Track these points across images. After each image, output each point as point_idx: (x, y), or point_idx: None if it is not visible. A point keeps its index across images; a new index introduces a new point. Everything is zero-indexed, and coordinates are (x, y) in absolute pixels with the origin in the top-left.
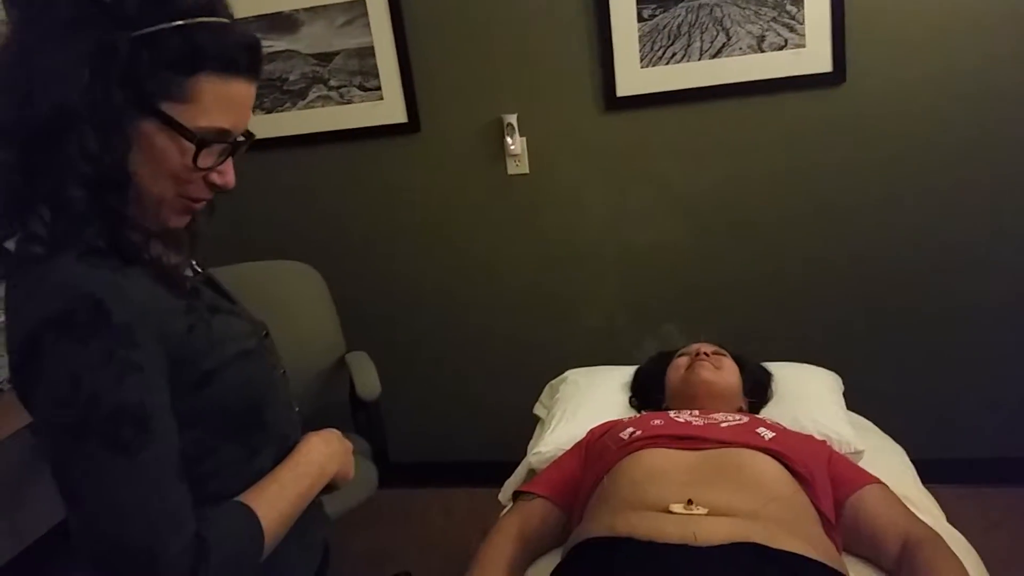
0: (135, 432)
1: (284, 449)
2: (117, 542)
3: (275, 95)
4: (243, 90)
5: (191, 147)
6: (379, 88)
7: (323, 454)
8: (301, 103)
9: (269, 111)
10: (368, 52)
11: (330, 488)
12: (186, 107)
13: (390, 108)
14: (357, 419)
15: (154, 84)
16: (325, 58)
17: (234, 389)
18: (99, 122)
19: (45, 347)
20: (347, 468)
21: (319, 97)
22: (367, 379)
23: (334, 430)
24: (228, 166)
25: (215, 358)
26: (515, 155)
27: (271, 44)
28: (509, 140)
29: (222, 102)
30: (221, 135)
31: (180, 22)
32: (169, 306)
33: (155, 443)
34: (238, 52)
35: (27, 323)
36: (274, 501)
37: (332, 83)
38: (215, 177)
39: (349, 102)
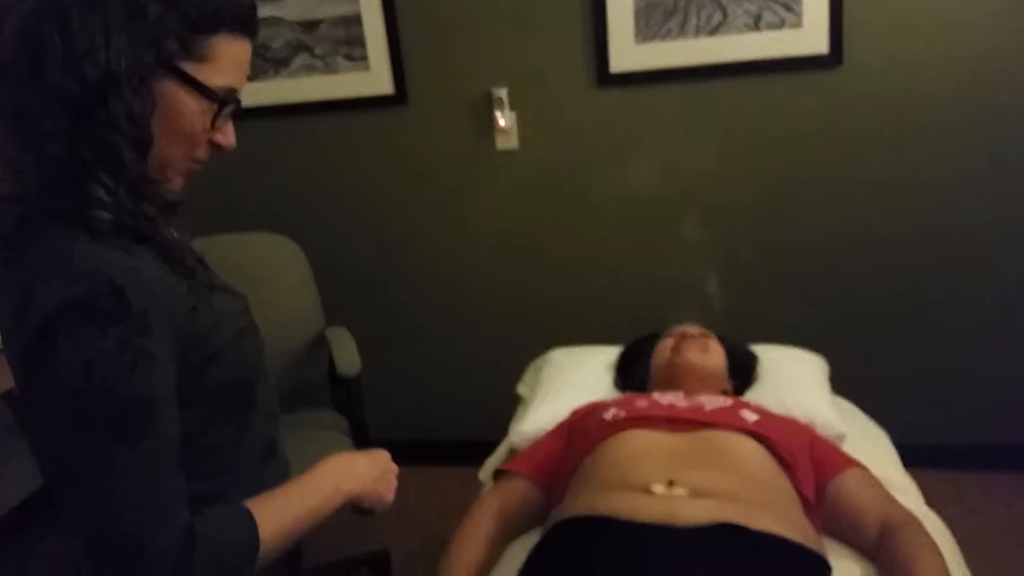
0: (140, 423)
1: (273, 425)
2: (107, 528)
3: (257, 62)
4: (247, 50)
5: (210, 107)
6: (365, 58)
7: (340, 472)
8: (284, 71)
9: (250, 79)
10: (355, 20)
11: (365, 511)
12: (204, 66)
13: (376, 79)
14: (336, 396)
15: (175, 44)
16: (310, 26)
17: (232, 368)
18: (135, 83)
19: (61, 332)
20: (381, 490)
21: (303, 66)
22: (347, 355)
23: (382, 451)
24: (230, 126)
25: (217, 338)
26: (504, 130)
27: None
28: (498, 114)
29: (233, 61)
30: (232, 94)
31: None
32: (174, 288)
33: (157, 435)
34: (247, 12)
35: (44, 305)
36: (277, 513)
37: (317, 51)
38: (219, 138)
39: (334, 71)
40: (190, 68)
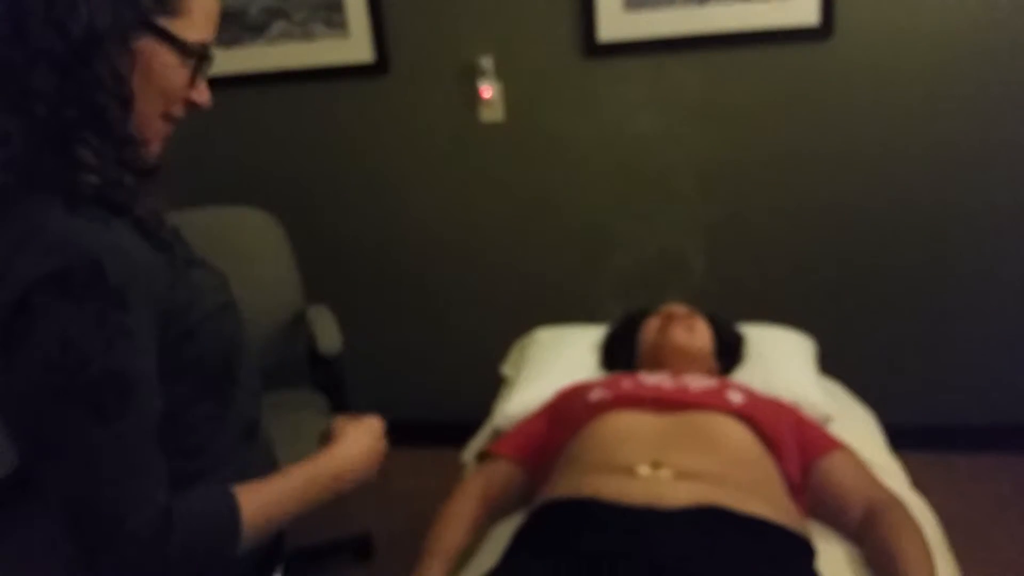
0: (118, 400)
1: (255, 404)
2: (85, 507)
3: (232, 29)
4: (218, 3)
5: (187, 62)
6: (345, 24)
7: (346, 459)
8: (260, 38)
9: (226, 46)
10: None
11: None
12: (179, 21)
13: (356, 46)
14: (317, 375)
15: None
16: None
17: (212, 344)
18: (117, 41)
19: (38, 306)
20: (373, 468)
21: (280, 33)
22: (328, 333)
23: (376, 421)
24: (204, 83)
25: (196, 314)
26: (489, 102)
27: None
28: (483, 85)
29: (206, 15)
30: (207, 49)
31: None
32: (152, 262)
33: (135, 412)
34: None
35: (20, 279)
36: (268, 500)
37: (295, 18)
38: (195, 95)
39: (313, 39)
40: (167, 23)
